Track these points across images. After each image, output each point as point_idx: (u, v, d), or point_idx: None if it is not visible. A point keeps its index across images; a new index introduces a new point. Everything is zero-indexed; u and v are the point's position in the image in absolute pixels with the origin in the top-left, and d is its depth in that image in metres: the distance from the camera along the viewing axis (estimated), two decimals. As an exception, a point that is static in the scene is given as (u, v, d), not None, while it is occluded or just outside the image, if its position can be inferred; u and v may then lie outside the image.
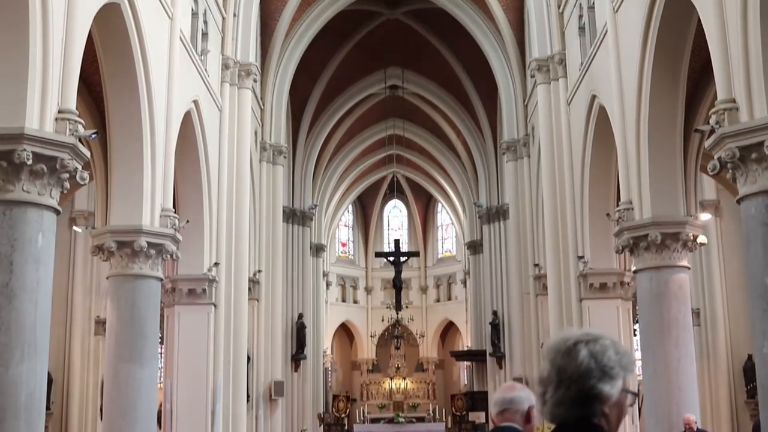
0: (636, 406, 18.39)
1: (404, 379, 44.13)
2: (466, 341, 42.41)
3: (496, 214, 32.13)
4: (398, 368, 43.85)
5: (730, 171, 10.66)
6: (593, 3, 18.94)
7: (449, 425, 38.92)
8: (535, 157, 24.86)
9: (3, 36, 10.18)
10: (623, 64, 16.11)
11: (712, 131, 11.04)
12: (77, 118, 10.96)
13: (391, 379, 44.03)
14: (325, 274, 40.67)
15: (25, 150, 10.05)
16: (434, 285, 48.44)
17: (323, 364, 37.89)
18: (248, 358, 22.89)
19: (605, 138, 18.11)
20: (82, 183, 11.34)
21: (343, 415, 41.55)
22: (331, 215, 42.66)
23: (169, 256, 15.56)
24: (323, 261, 39.20)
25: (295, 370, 31.74)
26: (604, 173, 19.16)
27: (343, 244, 48.91)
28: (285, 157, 28.99)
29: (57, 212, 10.78)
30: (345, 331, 47.92)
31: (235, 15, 22.47)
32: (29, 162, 10.10)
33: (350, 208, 48.07)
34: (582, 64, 19.86)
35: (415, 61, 34.21)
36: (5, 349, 9.86)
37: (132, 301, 14.77)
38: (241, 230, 21.86)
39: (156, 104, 15.15)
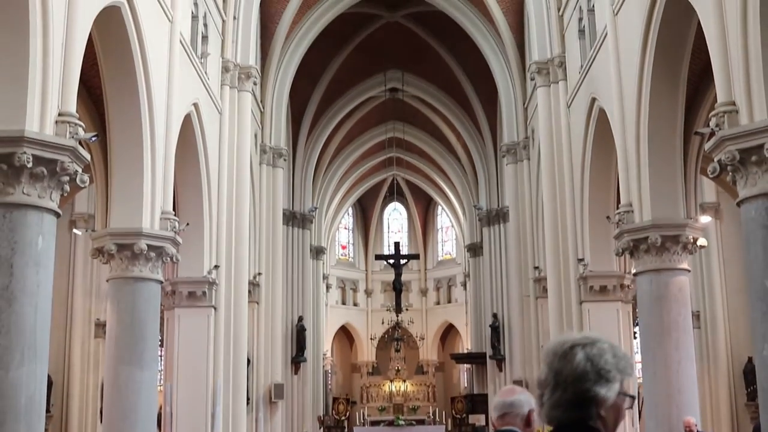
0: (636, 409, 18.38)
1: (404, 381, 44.12)
2: (466, 344, 42.39)
3: (496, 216, 32.14)
4: (398, 371, 43.83)
5: (730, 173, 10.66)
6: (593, 6, 18.95)
7: (449, 428, 38.89)
8: (535, 159, 24.86)
9: (3, 39, 10.19)
10: (623, 66, 16.12)
11: (712, 134, 11.03)
12: (77, 121, 10.96)
13: (391, 381, 44.02)
14: (325, 277, 40.66)
15: (25, 153, 10.06)
16: (434, 287, 48.43)
17: (323, 366, 37.88)
18: (248, 360, 22.88)
19: (605, 141, 18.11)
20: (82, 186, 11.35)
21: (343, 418, 41.49)
22: (331, 218, 42.66)
23: (169, 258, 15.57)
24: (323, 264, 39.20)
25: (295, 373, 31.73)
26: (604, 176, 19.16)
27: (343, 247, 48.91)
28: (285, 160, 28.99)
29: (57, 215, 10.78)
30: (345, 334, 47.89)
31: (235, 18, 22.48)
32: (29, 165, 10.10)
33: (350, 210, 48.08)
34: (582, 66, 19.87)
35: (415, 64, 34.24)
36: (5, 352, 9.86)
37: (132, 304, 14.77)
38: (241, 233, 21.86)
39: (156, 107, 15.15)
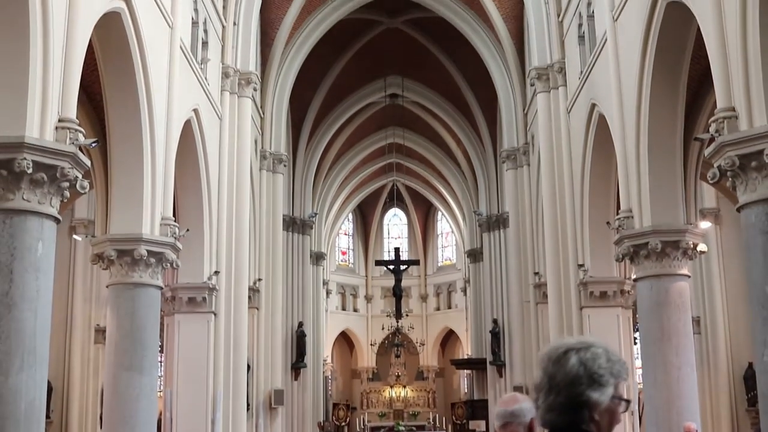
0: (637, 415, 18.36)
1: (404, 387, 44.13)
2: (466, 349, 42.38)
3: (496, 222, 32.14)
4: (398, 376, 43.84)
5: (730, 179, 10.66)
6: (593, 12, 18.97)
7: (449, 434, 38.88)
8: (535, 165, 24.86)
9: (3, 45, 10.20)
10: (623, 72, 16.13)
11: (711, 139, 11.04)
12: (77, 127, 10.97)
13: (391, 387, 44.03)
14: (325, 283, 40.65)
15: (25, 159, 10.06)
16: (434, 293, 48.44)
17: (323, 372, 37.85)
18: (248, 366, 22.86)
19: (605, 146, 18.12)
20: (82, 192, 11.35)
21: (343, 424, 41.52)
22: (331, 224, 42.67)
23: (169, 264, 15.56)
24: (323, 269, 39.20)
25: (295, 379, 31.70)
26: (604, 181, 19.16)
27: (343, 253, 48.91)
28: (285, 166, 29.00)
29: (57, 221, 10.78)
30: (345, 340, 47.88)
31: (235, 24, 22.51)
32: (29, 171, 10.10)
33: (350, 216, 48.10)
34: (582, 72, 19.88)
35: (415, 70, 34.26)
36: (5, 358, 9.85)
37: (132, 310, 14.76)
38: (241, 239, 21.86)
39: (156, 113, 15.16)
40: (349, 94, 34.81)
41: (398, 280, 39.77)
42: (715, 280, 25.49)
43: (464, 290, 43.51)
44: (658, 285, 15.17)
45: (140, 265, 14.82)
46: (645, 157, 15.15)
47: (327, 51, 30.89)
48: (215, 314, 20.15)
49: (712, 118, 11.06)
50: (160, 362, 18.48)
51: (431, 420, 41.33)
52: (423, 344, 45.05)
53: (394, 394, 44.09)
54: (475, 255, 36.33)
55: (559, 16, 22.00)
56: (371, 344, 45.76)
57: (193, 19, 19.11)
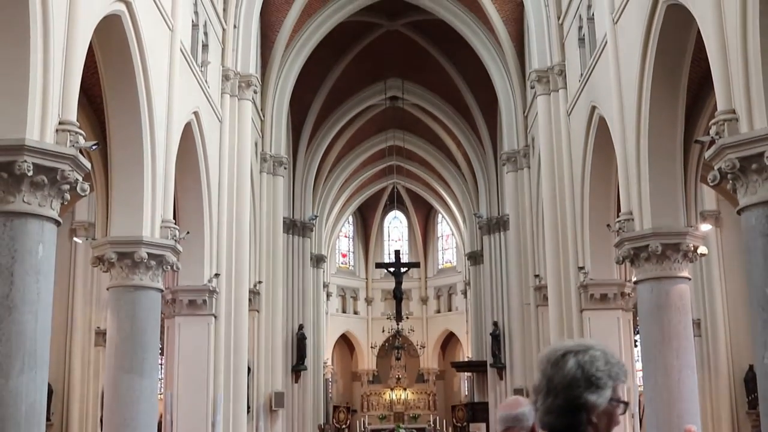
0: (637, 418, 18.35)
1: (405, 389, 44.14)
2: (466, 352, 42.38)
3: (496, 224, 32.14)
4: (399, 379, 43.84)
5: (731, 182, 10.65)
6: (593, 14, 18.97)
7: (450, 436, 38.86)
8: (536, 167, 24.87)
9: (4, 47, 10.20)
10: (623, 75, 16.13)
11: (712, 142, 11.04)
12: (78, 130, 10.97)
13: (392, 390, 44.03)
14: (325, 285, 40.66)
15: (25, 161, 10.06)
16: (435, 296, 48.45)
17: (324, 375, 37.85)
18: (248, 369, 22.85)
19: (605, 149, 18.12)
20: (83, 194, 11.34)
21: (343, 426, 41.49)
22: (332, 226, 42.69)
23: (169, 267, 15.55)
24: (323, 272, 39.21)
25: (296, 381, 31.70)
26: (604, 184, 19.16)
27: (344, 255, 48.94)
28: (285, 168, 28.99)
29: (57, 223, 10.78)
30: (345, 342, 47.89)
31: (235, 26, 22.52)
32: (30, 173, 10.10)
33: (350, 218, 48.13)
34: (582, 75, 19.88)
35: (415, 72, 34.28)
36: (6, 361, 9.85)
37: (132, 312, 14.75)
38: (241, 241, 21.86)
39: (156, 115, 15.16)
40: (349, 96, 34.83)
41: (398, 283, 39.77)
42: (715, 282, 25.48)
43: (464, 293, 43.52)
44: (658, 287, 15.16)
45: (141, 268, 14.81)
46: (645, 159, 15.14)
47: (327, 54, 30.92)
48: (215, 317, 20.14)
49: (713, 121, 11.06)
50: (161, 365, 18.46)
51: (431, 423, 41.33)
52: (423, 347, 45.06)
53: (394, 397, 44.10)
54: (475, 257, 36.34)
55: (559, 18, 22.00)
56: (371, 347, 45.76)
57: (193, 21, 19.13)
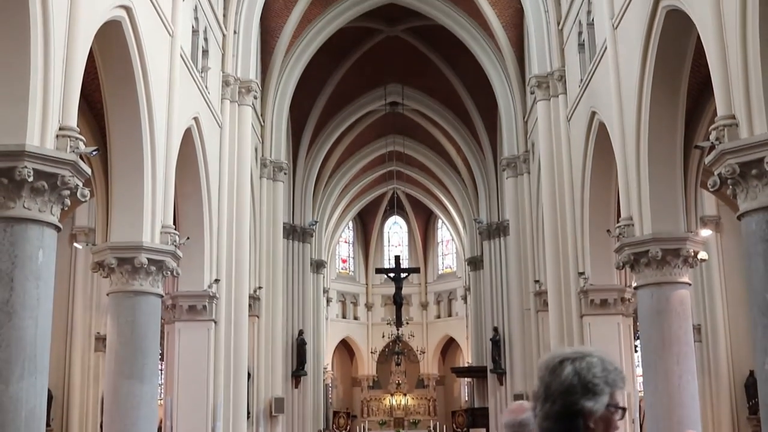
0: (637, 423, 18.34)
1: (405, 395, 44.09)
2: (466, 357, 42.35)
3: (496, 230, 32.16)
4: (399, 384, 43.81)
5: (731, 187, 10.65)
6: (593, 20, 18.99)
7: (450, 442, 38.82)
8: (535, 173, 24.88)
9: (4, 53, 10.21)
10: (623, 80, 16.14)
11: (712, 147, 11.03)
12: (78, 135, 10.97)
13: (392, 395, 43.99)
14: (325, 291, 40.66)
15: (26, 167, 10.05)
16: (435, 301, 48.44)
17: (324, 380, 37.83)
18: (248, 374, 22.84)
19: (605, 154, 18.13)
20: (83, 200, 11.34)
21: (343, 432, 41.43)
22: (332, 231, 42.69)
23: (169, 272, 15.55)
24: (323, 277, 39.21)
25: (296, 387, 31.67)
26: (604, 189, 19.16)
27: (344, 261, 48.94)
28: (285, 174, 29.01)
29: (58, 229, 10.77)
30: (345, 348, 47.88)
31: (235, 32, 22.54)
32: (30, 179, 10.10)
33: (350, 224, 48.14)
34: (582, 80, 19.90)
35: (415, 78, 34.32)
36: (5, 366, 9.83)
37: (132, 318, 14.74)
38: (241, 247, 21.86)
39: (156, 121, 15.17)
40: (349, 102, 34.87)
41: (398, 288, 39.79)
42: (715, 287, 25.49)
43: (465, 298, 43.51)
44: (658, 293, 15.15)
45: (141, 273, 14.81)
46: (645, 164, 15.14)
47: (327, 59, 30.95)
48: (215, 322, 20.14)
49: (713, 126, 11.06)
50: (161, 370, 18.46)
51: (432, 428, 41.24)
52: (423, 352, 45.05)
53: (394, 402, 44.06)
54: (475, 263, 36.34)
55: (559, 24, 22.03)
56: (371, 352, 45.73)
57: (193, 27, 19.14)
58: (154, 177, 15.12)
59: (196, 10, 19.29)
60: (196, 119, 18.84)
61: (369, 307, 48.39)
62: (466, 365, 40.41)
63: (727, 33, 10.86)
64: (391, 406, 44.01)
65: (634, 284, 16.73)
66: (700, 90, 15.06)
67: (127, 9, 13.66)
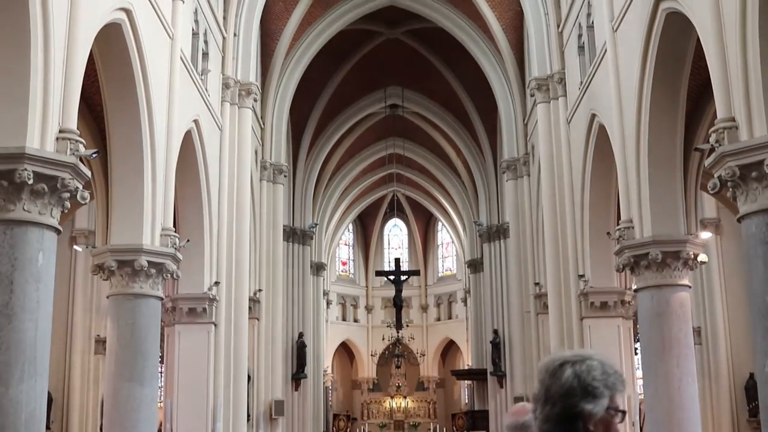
0: (638, 425, 18.33)
1: (405, 398, 44.06)
2: (466, 360, 42.34)
3: (496, 232, 32.15)
4: (399, 387, 43.77)
5: (731, 189, 10.65)
6: (592, 22, 19.00)
7: (450, 444, 38.79)
8: (535, 175, 24.87)
9: (4, 55, 10.21)
10: (623, 82, 16.14)
11: (712, 150, 11.03)
12: (78, 138, 10.97)
13: (392, 398, 43.96)
14: (325, 293, 40.65)
15: (26, 169, 10.05)
16: (435, 304, 48.43)
17: (324, 383, 37.81)
18: (248, 377, 22.83)
19: (605, 157, 18.13)
20: (83, 202, 11.34)
21: (343, 435, 41.40)
22: (332, 234, 42.68)
23: (169, 275, 15.54)
24: (323, 280, 39.20)
25: (296, 389, 31.65)
26: (604, 192, 19.16)
27: (344, 263, 48.93)
28: (285, 176, 29.01)
29: (58, 231, 10.77)
30: (345, 350, 47.86)
31: (235, 35, 22.55)
32: (30, 181, 10.10)
33: (350, 226, 48.13)
34: (581, 83, 19.90)
35: (415, 81, 34.33)
36: (5, 369, 9.83)
37: (132, 320, 14.74)
38: (241, 249, 21.86)
39: (156, 123, 15.17)
40: (349, 104, 34.87)
41: (398, 291, 39.76)
42: (715, 290, 25.46)
43: (465, 300, 43.50)
44: (658, 295, 15.15)
45: (141, 276, 14.81)
46: (645, 167, 15.14)
47: (327, 62, 30.96)
48: (215, 325, 20.13)
49: (713, 129, 11.06)
50: (161, 373, 18.46)
51: (432, 431, 41.22)
52: (423, 355, 45.03)
53: (394, 405, 44.02)
54: (475, 265, 36.33)
55: (558, 26, 22.03)
56: (372, 355, 45.71)
57: (193, 30, 19.15)
58: (154, 179, 15.12)
59: (196, 12, 19.30)
60: (196, 122, 18.84)
61: (369, 309, 48.38)
62: (466, 368, 40.40)
63: (727, 35, 10.86)
64: (391, 409, 43.97)
65: (634, 287, 16.73)
66: (700, 92, 15.06)
67: (127, 11, 13.67)
